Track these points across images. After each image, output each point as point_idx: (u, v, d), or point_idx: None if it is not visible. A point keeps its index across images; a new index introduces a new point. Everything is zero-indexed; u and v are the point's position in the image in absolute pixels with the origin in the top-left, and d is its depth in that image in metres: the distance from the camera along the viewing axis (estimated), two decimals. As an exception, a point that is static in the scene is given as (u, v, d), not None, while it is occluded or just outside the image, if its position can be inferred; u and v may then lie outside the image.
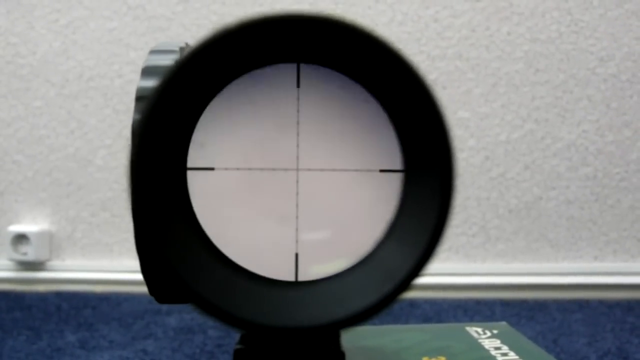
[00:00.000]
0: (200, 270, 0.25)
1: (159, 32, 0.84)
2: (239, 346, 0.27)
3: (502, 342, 0.40)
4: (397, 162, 0.27)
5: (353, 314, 0.25)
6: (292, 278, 0.27)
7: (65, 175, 0.85)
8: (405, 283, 0.24)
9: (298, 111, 0.27)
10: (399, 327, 0.44)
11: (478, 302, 0.78)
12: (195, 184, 0.27)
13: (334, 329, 0.25)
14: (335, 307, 0.25)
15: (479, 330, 0.43)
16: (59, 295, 0.81)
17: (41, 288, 0.84)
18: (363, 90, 0.27)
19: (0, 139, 0.86)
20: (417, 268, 0.24)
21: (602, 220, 0.83)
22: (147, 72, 0.28)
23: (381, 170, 0.27)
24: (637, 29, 0.81)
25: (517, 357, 0.38)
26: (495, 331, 0.42)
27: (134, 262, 0.94)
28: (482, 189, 0.83)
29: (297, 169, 0.27)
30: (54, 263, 0.86)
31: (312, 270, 0.27)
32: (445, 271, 0.81)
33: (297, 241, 0.27)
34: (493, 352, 0.38)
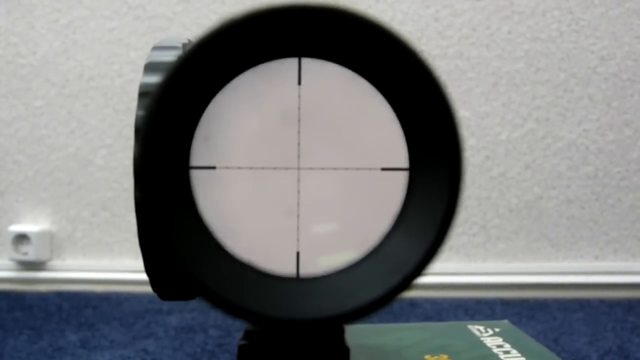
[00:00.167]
0: (207, 264, 0.25)
1: (160, 32, 0.84)
2: (243, 342, 0.27)
3: (504, 340, 0.40)
4: (400, 160, 0.27)
5: (360, 306, 0.25)
6: (295, 274, 0.27)
7: (66, 175, 0.85)
8: (413, 276, 0.24)
9: (299, 108, 0.27)
10: (401, 326, 0.44)
11: (479, 302, 0.78)
12: (199, 180, 0.27)
13: (341, 322, 0.25)
14: (341, 300, 0.25)
15: (481, 328, 0.43)
16: (59, 295, 0.81)
17: (42, 288, 0.84)
18: (368, 84, 0.27)
19: (1, 138, 0.86)
20: (425, 261, 0.24)
21: (603, 219, 0.83)
22: (150, 68, 0.28)
23: (383, 169, 0.27)
24: (638, 27, 0.81)
25: (519, 354, 0.38)
26: (497, 329, 0.42)
27: (135, 262, 0.94)
28: (483, 188, 0.83)
29: (299, 168, 0.27)
30: (55, 263, 0.86)
31: (318, 264, 0.27)
32: (446, 270, 0.81)
33: (299, 237, 0.27)
34: (495, 350, 0.38)
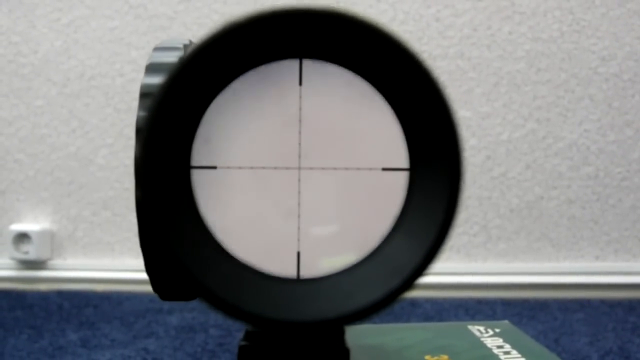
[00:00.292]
0: (207, 265, 0.25)
1: (161, 31, 0.84)
2: (243, 343, 0.27)
3: (505, 340, 0.40)
4: (400, 160, 0.27)
5: (360, 308, 0.25)
6: (295, 275, 0.27)
7: (67, 174, 0.85)
8: (413, 278, 0.24)
9: (300, 109, 0.27)
10: (401, 326, 0.44)
11: (479, 302, 0.78)
12: (200, 180, 0.27)
13: (340, 324, 0.25)
14: (341, 301, 0.25)
15: (481, 328, 0.43)
16: (60, 294, 0.81)
17: (43, 287, 0.84)
18: (368, 86, 0.27)
19: (1, 138, 0.86)
20: (425, 263, 0.24)
21: (604, 219, 0.83)
22: (151, 68, 0.28)
23: (384, 169, 0.27)
24: (639, 28, 0.81)
25: (519, 355, 0.38)
26: (497, 330, 0.42)
27: (136, 261, 0.94)
28: (484, 188, 0.83)
29: (299, 168, 0.27)
30: (56, 262, 0.86)
31: (318, 266, 0.27)
32: (447, 270, 0.81)
33: (300, 238, 0.27)
34: (495, 351, 0.38)
